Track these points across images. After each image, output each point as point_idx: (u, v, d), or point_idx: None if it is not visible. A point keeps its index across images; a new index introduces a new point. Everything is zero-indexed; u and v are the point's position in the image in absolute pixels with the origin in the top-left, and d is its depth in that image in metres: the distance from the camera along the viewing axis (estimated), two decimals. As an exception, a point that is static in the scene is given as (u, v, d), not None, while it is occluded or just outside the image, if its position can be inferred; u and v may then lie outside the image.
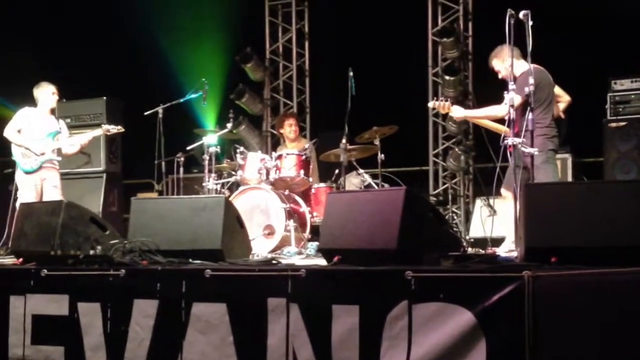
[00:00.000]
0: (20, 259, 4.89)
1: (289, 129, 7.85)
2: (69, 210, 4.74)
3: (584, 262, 3.51)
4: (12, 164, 8.54)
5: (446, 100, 5.85)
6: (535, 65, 5.41)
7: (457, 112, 5.88)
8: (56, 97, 7.16)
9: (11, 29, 9.55)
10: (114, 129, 7.17)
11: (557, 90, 5.80)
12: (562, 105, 5.94)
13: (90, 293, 4.31)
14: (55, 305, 4.39)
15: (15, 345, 4.49)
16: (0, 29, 9.35)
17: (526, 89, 5.10)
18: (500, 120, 5.75)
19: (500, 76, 5.83)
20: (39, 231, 4.79)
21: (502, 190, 5.73)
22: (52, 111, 7.20)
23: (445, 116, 8.76)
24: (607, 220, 3.68)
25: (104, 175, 8.09)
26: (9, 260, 5.41)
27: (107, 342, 4.24)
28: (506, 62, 5.49)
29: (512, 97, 5.02)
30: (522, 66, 5.46)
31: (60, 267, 4.49)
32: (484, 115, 5.86)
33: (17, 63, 8.91)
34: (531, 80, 5.00)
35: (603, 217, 3.69)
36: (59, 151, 7.12)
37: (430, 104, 6.01)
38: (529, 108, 5.01)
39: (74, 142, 7.14)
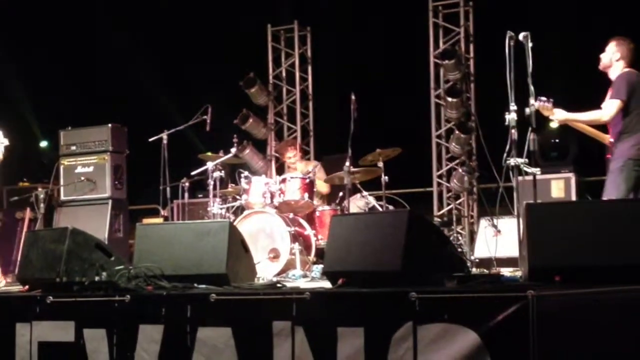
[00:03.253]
0: (26, 286, 4.91)
1: (289, 160, 7.94)
2: (74, 237, 4.76)
3: (588, 281, 3.51)
4: (19, 192, 8.63)
5: (548, 102, 5.49)
6: (633, 70, 5.44)
7: (560, 114, 5.57)
8: None
9: (16, 55, 9.67)
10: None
11: None
12: None
13: (96, 319, 4.32)
14: (61, 331, 4.39)
15: (21, 372, 4.50)
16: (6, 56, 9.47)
17: (622, 94, 5.14)
18: (601, 127, 5.70)
19: (600, 65, 5.68)
20: (45, 258, 4.80)
21: None
22: None
23: (449, 137, 8.81)
24: (611, 239, 3.69)
25: (110, 202, 8.11)
26: (15, 288, 5.43)
27: (113, 368, 4.24)
28: (614, 55, 5.55)
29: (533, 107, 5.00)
30: (618, 69, 5.49)
31: (66, 294, 4.50)
32: (587, 119, 5.67)
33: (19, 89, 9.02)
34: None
35: (607, 236, 3.70)
36: None
37: (536, 105, 5.40)
38: (530, 128, 5.04)
39: None
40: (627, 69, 5.53)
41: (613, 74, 5.60)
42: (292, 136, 9.77)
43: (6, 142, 6.72)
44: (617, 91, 5.40)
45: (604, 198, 5.49)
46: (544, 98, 5.51)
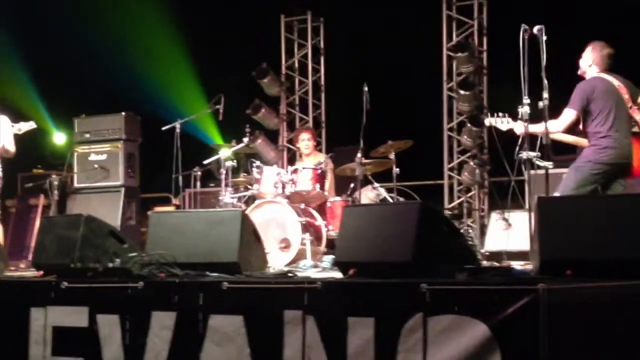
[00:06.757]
0: (41, 272, 4.97)
1: (303, 143, 7.85)
2: (88, 223, 4.81)
3: (598, 275, 3.51)
4: (33, 179, 8.70)
5: (504, 116, 5.54)
6: (599, 75, 5.36)
7: (519, 128, 5.39)
8: None
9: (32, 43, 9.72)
10: (26, 125, 6.89)
11: None
12: None
13: (110, 305, 4.37)
14: (75, 317, 4.45)
15: (35, 356, 4.55)
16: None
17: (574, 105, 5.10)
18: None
19: (579, 71, 5.61)
20: (59, 244, 4.86)
21: None
22: None
23: (460, 130, 8.80)
24: (622, 233, 3.68)
25: (122, 190, 8.17)
26: (30, 273, 5.49)
27: (126, 354, 4.28)
28: (587, 61, 5.48)
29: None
30: (590, 75, 5.42)
31: (80, 280, 4.56)
32: (542, 131, 5.32)
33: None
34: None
35: (618, 230, 3.70)
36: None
37: (487, 122, 5.68)
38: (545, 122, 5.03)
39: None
40: (591, 76, 5.40)
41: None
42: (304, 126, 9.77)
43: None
44: (572, 101, 5.32)
45: (558, 190, 5.39)
46: (501, 114, 5.55)
